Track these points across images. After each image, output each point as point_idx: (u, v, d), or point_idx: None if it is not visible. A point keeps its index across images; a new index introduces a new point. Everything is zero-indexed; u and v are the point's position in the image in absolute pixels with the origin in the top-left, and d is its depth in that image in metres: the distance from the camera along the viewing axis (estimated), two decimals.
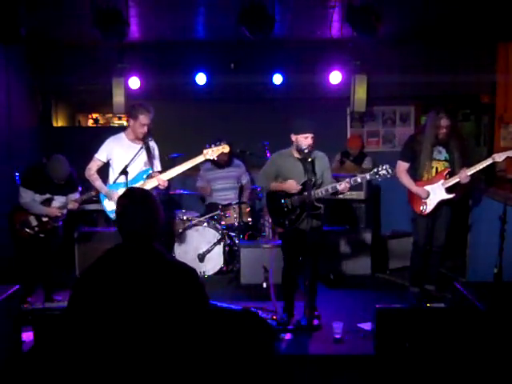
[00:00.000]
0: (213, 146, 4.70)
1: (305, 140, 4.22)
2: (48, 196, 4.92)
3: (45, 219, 4.90)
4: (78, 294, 2.13)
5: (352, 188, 5.90)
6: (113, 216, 4.62)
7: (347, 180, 4.20)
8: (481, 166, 4.65)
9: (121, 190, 4.47)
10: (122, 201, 2.26)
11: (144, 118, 4.57)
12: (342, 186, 4.18)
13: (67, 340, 2.13)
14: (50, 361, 3.52)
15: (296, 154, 4.35)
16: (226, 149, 4.68)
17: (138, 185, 4.60)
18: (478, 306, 3.26)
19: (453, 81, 6.38)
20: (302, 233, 4.36)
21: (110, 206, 4.69)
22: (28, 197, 4.88)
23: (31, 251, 4.95)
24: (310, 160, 4.15)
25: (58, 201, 4.96)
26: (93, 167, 4.71)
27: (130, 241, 2.18)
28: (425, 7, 5.07)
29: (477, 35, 6.12)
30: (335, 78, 6.39)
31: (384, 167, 4.15)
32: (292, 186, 4.31)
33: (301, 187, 4.28)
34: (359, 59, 6.16)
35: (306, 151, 4.18)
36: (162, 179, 4.65)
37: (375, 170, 4.15)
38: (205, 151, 4.65)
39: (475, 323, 3.29)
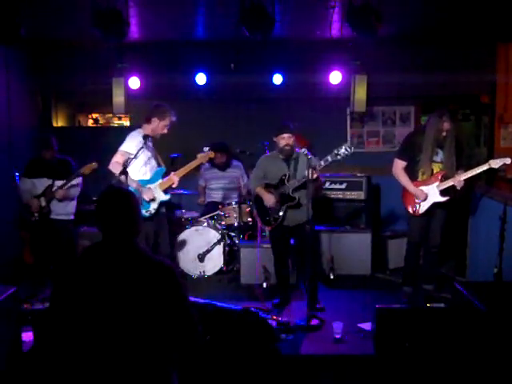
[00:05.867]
0: (201, 153, 5.16)
1: (282, 140, 4.62)
2: (49, 183, 5.09)
3: (43, 204, 5.09)
4: (59, 291, 2.19)
5: (352, 188, 6.09)
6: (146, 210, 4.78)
7: (313, 165, 4.36)
8: (476, 172, 4.66)
9: (149, 186, 4.80)
10: (101, 199, 2.30)
11: (169, 120, 4.77)
12: (310, 172, 4.34)
13: (49, 336, 2.22)
14: (49, 361, 3.53)
15: (281, 155, 4.71)
16: (211, 155, 5.19)
17: (155, 184, 4.84)
18: (478, 305, 3.26)
19: (453, 81, 6.37)
20: (286, 229, 4.73)
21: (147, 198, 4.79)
22: (24, 186, 5.10)
23: (41, 238, 5.16)
24: (293, 158, 4.58)
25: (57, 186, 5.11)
26: (120, 161, 4.65)
27: (109, 238, 2.22)
28: (425, 7, 5.07)
29: (477, 35, 6.12)
30: (335, 78, 6.39)
31: (343, 147, 4.31)
32: (270, 200, 4.71)
33: (277, 206, 4.68)
34: (359, 59, 6.16)
35: (286, 148, 4.57)
36: (176, 178, 4.89)
37: (335, 152, 4.33)
38: (198, 156, 5.10)
39: (475, 323, 3.29)
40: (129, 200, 2.29)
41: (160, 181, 4.89)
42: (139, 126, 4.91)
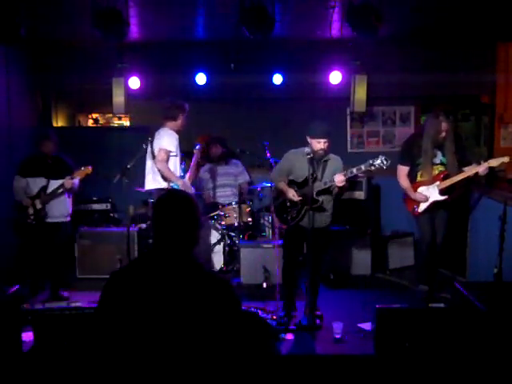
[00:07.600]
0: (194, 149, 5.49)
1: (317, 144, 4.33)
2: (43, 183, 5.02)
3: (39, 206, 5.00)
4: (107, 297, 2.01)
5: (352, 188, 6.05)
6: None
7: (343, 172, 4.25)
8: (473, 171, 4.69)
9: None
10: (159, 204, 2.09)
11: (187, 110, 5.14)
12: (338, 177, 4.21)
13: (94, 342, 2.03)
14: (50, 361, 3.53)
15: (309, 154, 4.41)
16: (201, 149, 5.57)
17: (186, 179, 5.15)
18: (478, 306, 3.26)
19: (453, 81, 6.36)
20: (303, 230, 4.41)
21: None
22: (19, 184, 5.05)
23: (35, 241, 5.07)
24: (323, 160, 4.31)
25: (52, 187, 5.03)
26: (166, 158, 4.90)
27: (165, 247, 2.02)
28: (425, 7, 5.07)
29: (477, 35, 6.12)
30: (335, 78, 6.38)
31: (380, 158, 4.17)
32: (293, 195, 4.41)
33: (300, 199, 4.39)
34: (359, 59, 6.15)
35: (320, 152, 4.31)
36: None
37: (370, 162, 4.19)
38: (195, 151, 5.44)
39: (475, 323, 3.29)
40: (191, 206, 2.06)
41: (186, 176, 5.23)
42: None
